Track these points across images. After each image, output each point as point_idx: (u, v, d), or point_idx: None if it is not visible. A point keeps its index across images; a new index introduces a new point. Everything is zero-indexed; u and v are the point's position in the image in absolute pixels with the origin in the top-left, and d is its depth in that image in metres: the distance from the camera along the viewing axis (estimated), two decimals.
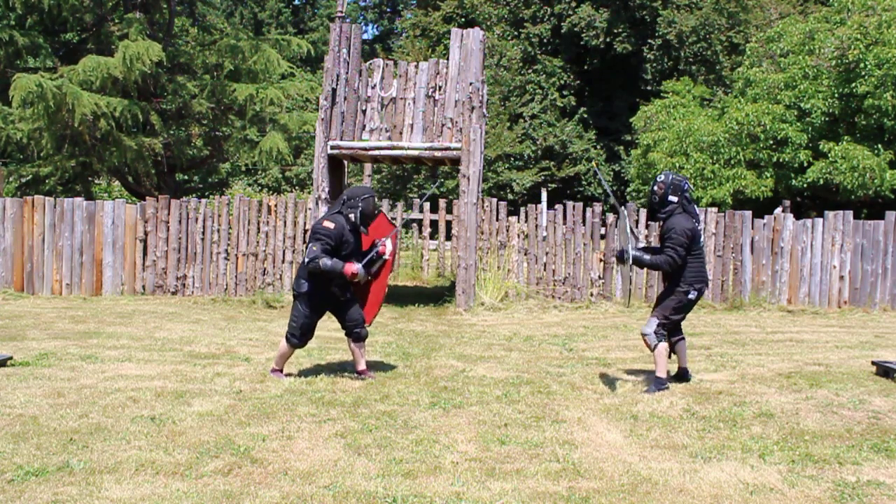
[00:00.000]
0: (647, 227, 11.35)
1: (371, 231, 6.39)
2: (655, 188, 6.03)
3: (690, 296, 5.96)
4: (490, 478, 4.05)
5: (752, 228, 11.36)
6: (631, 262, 6.01)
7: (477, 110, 10.88)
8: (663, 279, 6.23)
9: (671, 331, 6.11)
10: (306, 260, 5.94)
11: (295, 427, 4.87)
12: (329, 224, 5.99)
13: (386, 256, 6.32)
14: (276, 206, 11.51)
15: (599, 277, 11.33)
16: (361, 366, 6.27)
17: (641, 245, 6.47)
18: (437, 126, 11.02)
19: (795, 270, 11.29)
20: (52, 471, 4.01)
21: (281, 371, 6.32)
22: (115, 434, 4.64)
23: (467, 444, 4.59)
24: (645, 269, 6.84)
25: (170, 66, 16.85)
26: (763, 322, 10.07)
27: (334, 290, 6.10)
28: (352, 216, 6.09)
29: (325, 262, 5.87)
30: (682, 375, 6.32)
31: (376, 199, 6.34)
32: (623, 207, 6.28)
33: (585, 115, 28.57)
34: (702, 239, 6.18)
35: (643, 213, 11.54)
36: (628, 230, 6.27)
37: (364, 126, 11.13)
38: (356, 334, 6.20)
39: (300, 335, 6.12)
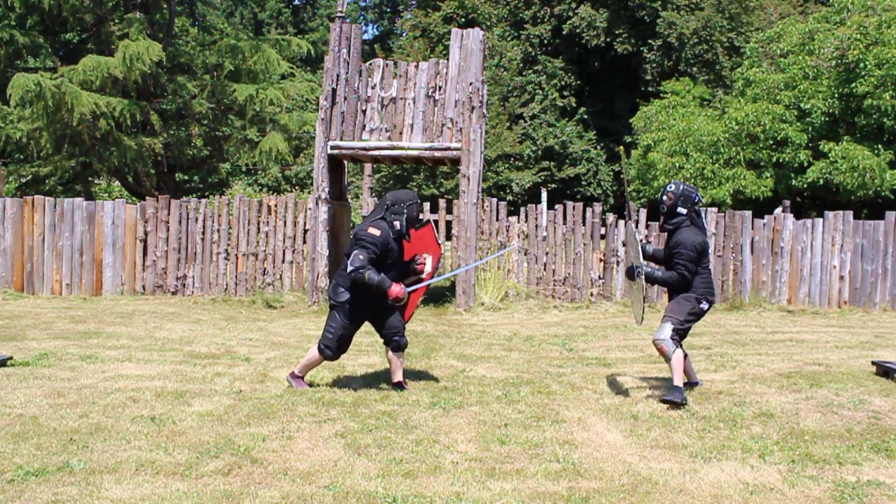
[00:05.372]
0: (646, 227, 11.36)
1: (414, 241, 6.02)
2: (665, 198, 5.85)
3: (703, 305, 5.81)
4: (490, 478, 4.05)
5: (752, 228, 11.36)
6: (643, 278, 5.83)
7: (477, 110, 10.88)
8: (669, 292, 6.03)
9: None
10: (350, 268, 5.51)
11: (295, 427, 4.87)
12: (375, 231, 5.58)
13: (423, 276, 5.93)
14: (276, 206, 11.51)
15: (599, 277, 11.33)
16: (398, 377, 5.90)
17: (651, 248, 6.24)
18: (437, 126, 11.01)
19: (795, 270, 11.29)
20: (52, 471, 4.01)
21: (303, 378, 5.95)
22: (115, 434, 4.64)
23: (467, 444, 4.59)
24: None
25: (170, 66, 16.85)
26: (763, 322, 10.07)
27: (372, 301, 5.73)
28: (396, 223, 5.68)
29: (372, 275, 5.48)
30: (692, 386, 6.14)
31: (420, 205, 5.91)
32: (631, 223, 6.15)
33: (585, 116, 28.56)
34: (710, 251, 6.05)
35: (643, 213, 11.53)
36: (638, 245, 5.98)
37: (364, 126, 11.12)
38: (395, 343, 5.82)
39: (336, 348, 5.76)
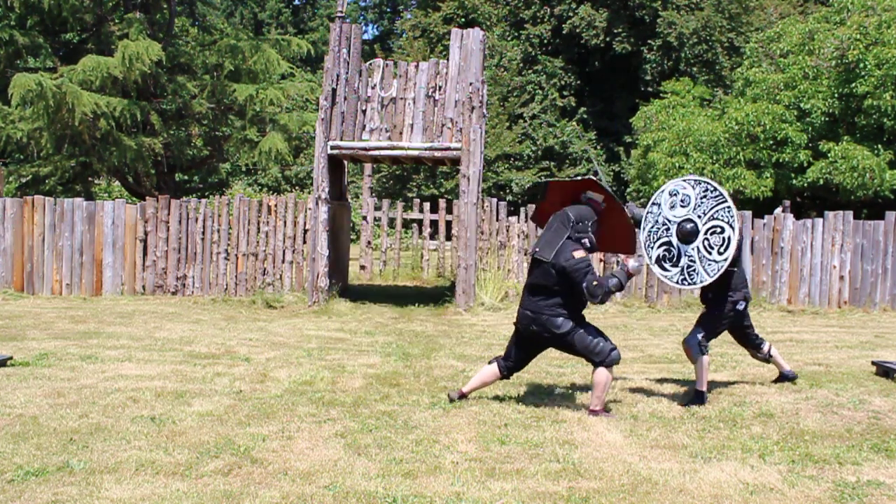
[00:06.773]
0: None
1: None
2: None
3: (739, 307, 5.75)
4: (490, 478, 4.05)
5: (752, 228, 11.36)
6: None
7: (477, 110, 10.88)
8: (704, 290, 5.81)
9: (757, 344, 6.04)
10: (599, 293, 5.13)
11: (295, 427, 4.87)
12: (580, 253, 5.26)
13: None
14: (276, 206, 11.51)
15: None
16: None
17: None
18: (437, 126, 11.01)
19: (795, 270, 11.29)
20: (52, 471, 4.01)
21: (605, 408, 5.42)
22: (115, 434, 4.64)
23: (467, 444, 4.59)
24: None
25: (170, 66, 16.84)
26: (763, 322, 10.06)
27: None
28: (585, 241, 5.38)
29: (609, 283, 5.22)
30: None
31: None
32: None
33: (585, 116, 28.55)
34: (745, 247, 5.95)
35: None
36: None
37: (364, 126, 11.12)
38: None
39: (612, 345, 5.33)
